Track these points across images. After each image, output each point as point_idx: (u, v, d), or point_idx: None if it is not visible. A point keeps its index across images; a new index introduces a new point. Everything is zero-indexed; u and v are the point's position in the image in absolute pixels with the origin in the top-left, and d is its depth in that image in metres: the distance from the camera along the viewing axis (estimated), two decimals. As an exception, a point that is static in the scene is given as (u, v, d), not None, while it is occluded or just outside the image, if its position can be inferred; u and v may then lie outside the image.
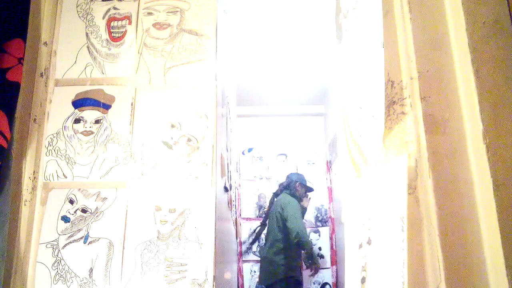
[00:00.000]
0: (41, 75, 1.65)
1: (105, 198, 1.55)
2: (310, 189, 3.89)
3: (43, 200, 1.56)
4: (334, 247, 4.38)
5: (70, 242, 1.51)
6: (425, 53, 0.98)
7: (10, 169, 1.44)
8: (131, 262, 1.48)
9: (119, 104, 1.65)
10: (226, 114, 2.43)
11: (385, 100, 1.03)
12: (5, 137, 1.40)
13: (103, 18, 1.77)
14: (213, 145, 1.59)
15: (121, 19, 1.76)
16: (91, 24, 1.76)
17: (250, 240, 4.39)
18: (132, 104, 1.65)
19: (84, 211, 1.54)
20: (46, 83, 1.67)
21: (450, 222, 0.87)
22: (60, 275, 1.47)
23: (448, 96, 0.93)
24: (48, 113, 1.65)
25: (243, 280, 4.33)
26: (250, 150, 4.86)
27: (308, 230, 4.02)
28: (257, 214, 4.65)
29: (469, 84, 0.89)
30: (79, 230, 1.53)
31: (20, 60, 1.50)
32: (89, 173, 1.58)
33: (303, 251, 3.62)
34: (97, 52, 1.72)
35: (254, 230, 4.30)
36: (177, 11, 1.75)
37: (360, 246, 1.10)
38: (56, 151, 1.61)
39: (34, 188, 1.55)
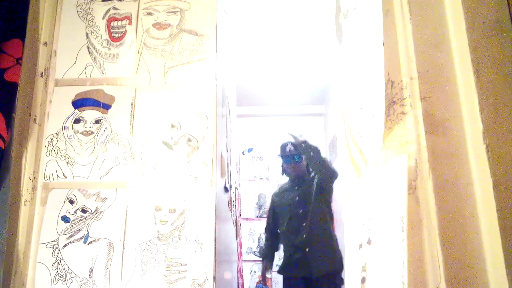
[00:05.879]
0: (41, 75, 1.65)
1: (105, 198, 1.55)
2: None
3: (43, 200, 1.56)
4: (334, 247, 4.38)
5: (70, 242, 1.51)
6: (425, 53, 0.98)
7: (8, 169, 1.44)
8: (131, 262, 1.48)
9: (119, 104, 1.65)
10: (226, 114, 2.43)
11: (385, 100, 1.03)
12: (2, 138, 1.40)
13: (103, 18, 1.77)
14: (213, 145, 1.59)
15: (121, 19, 1.76)
16: (91, 24, 1.76)
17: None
18: (132, 104, 1.65)
19: (84, 211, 1.54)
20: (46, 83, 1.67)
21: (450, 222, 0.87)
22: (60, 275, 1.47)
23: (448, 96, 0.93)
24: (48, 113, 1.65)
25: (243, 280, 4.33)
26: (250, 150, 4.87)
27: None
28: (257, 214, 4.65)
29: (469, 84, 0.89)
30: (79, 230, 1.53)
31: (18, 61, 1.50)
32: (89, 173, 1.58)
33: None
34: (97, 52, 1.72)
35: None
36: (177, 11, 1.75)
37: (360, 246, 1.10)
38: (56, 151, 1.61)
39: (34, 188, 1.55)
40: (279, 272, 3.05)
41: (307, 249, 2.84)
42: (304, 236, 2.86)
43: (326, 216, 2.95)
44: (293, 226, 2.95)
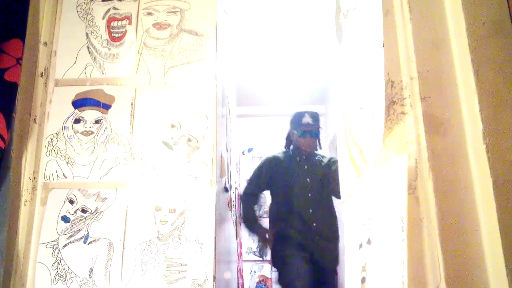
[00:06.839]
0: (41, 75, 1.65)
1: (105, 198, 1.55)
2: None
3: (43, 200, 1.56)
4: (334, 247, 4.37)
5: (70, 242, 1.51)
6: (425, 53, 0.97)
7: (9, 169, 1.44)
8: (131, 262, 1.48)
9: (119, 104, 1.65)
10: (226, 114, 2.43)
11: (385, 100, 1.03)
12: (2, 138, 1.40)
13: (103, 18, 1.77)
14: (213, 145, 1.59)
15: (121, 19, 1.76)
16: (91, 24, 1.76)
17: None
18: (132, 104, 1.65)
19: (84, 211, 1.54)
20: (46, 83, 1.67)
21: (450, 222, 0.86)
22: (60, 275, 1.47)
23: (448, 96, 0.93)
24: (48, 113, 1.65)
25: (243, 280, 4.33)
26: (250, 150, 4.87)
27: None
28: (257, 214, 4.64)
29: (469, 84, 0.89)
30: (79, 230, 1.53)
31: (19, 61, 1.50)
32: (89, 173, 1.58)
33: None
34: (97, 52, 1.72)
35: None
36: (177, 11, 1.75)
37: (360, 246, 1.10)
38: (56, 151, 1.61)
39: (34, 188, 1.55)
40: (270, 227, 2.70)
41: (314, 224, 2.57)
42: (311, 211, 2.59)
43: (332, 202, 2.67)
44: (299, 201, 2.61)
